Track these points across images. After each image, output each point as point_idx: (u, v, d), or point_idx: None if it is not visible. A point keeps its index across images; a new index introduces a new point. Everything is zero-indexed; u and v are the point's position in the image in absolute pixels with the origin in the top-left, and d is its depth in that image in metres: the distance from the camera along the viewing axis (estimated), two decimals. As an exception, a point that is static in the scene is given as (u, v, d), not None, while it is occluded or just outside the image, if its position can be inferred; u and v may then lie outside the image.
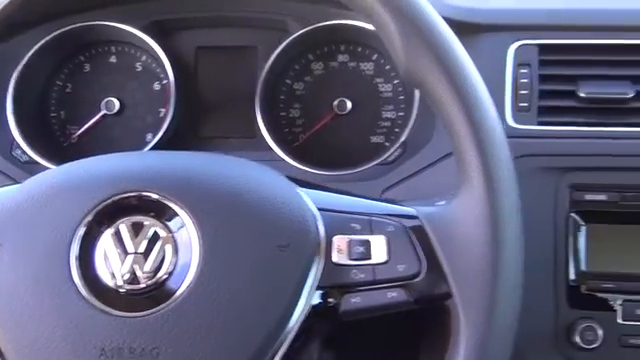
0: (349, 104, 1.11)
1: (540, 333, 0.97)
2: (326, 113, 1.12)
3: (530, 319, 0.91)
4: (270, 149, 1.08)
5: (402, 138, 1.05)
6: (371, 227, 0.75)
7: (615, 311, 0.96)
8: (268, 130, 1.08)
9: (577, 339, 0.95)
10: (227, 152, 1.04)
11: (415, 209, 0.76)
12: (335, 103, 1.12)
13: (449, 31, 0.75)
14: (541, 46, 1.01)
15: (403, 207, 0.77)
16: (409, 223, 0.75)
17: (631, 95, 0.98)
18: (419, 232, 0.74)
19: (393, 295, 0.74)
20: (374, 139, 1.12)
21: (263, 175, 0.77)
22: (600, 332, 0.95)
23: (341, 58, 1.13)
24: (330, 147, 1.12)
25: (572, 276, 0.96)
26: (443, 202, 0.76)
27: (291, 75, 1.14)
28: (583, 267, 0.96)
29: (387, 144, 1.10)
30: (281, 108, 1.13)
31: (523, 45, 1.01)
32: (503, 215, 0.71)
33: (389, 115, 1.12)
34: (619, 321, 0.96)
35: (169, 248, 0.72)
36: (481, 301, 0.70)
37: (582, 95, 0.98)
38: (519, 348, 0.91)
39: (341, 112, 1.12)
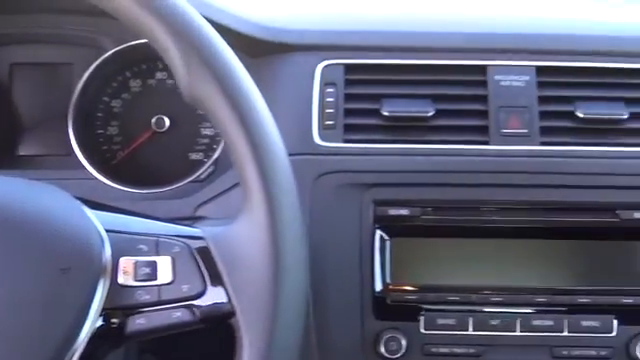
0: (167, 121, 1.12)
1: (347, 344, 0.99)
2: (144, 131, 1.12)
3: (337, 331, 0.97)
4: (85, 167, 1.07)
5: (215, 155, 1.07)
6: (157, 248, 0.76)
7: (418, 321, 0.99)
8: (81, 148, 1.08)
9: (382, 349, 0.98)
10: (44, 170, 1.07)
11: (202, 229, 0.78)
12: (153, 120, 1.12)
13: (230, 53, 0.76)
14: (347, 66, 1.03)
15: (190, 228, 0.78)
16: (195, 244, 0.76)
17: (431, 113, 1.02)
18: (204, 252, 0.76)
19: (178, 315, 0.75)
20: (193, 156, 1.13)
21: (49, 196, 0.76)
22: (404, 342, 0.98)
23: (159, 75, 1.14)
24: (149, 165, 1.13)
25: (378, 288, 0.99)
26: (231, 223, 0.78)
27: (108, 92, 1.14)
28: (388, 279, 0.99)
29: (206, 161, 1.11)
30: (98, 126, 1.13)
31: (330, 65, 1.03)
32: (283, 237, 0.73)
33: (208, 132, 1.13)
34: (422, 331, 0.99)
35: None
36: (262, 321, 0.72)
37: (385, 113, 1.01)
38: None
39: (159, 129, 1.12)
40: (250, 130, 0.74)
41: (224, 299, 0.74)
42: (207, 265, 0.75)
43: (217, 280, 0.75)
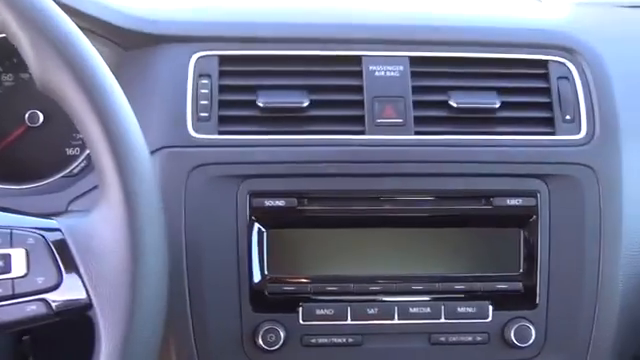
0: (41, 116, 1.09)
1: (225, 337, 0.99)
2: (17, 126, 1.10)
3: (215, 324, 0.97)
4: None
5: (88, 150, 1.05)
6: (11, 240, 0.74)
7: (297, 312, 0.99)
8: None
9: (260, 341, 0.98)
10: None
11: (58, 221, 0.77)
12: (27, 115, 1.10)
13: (84, 40, 0.75)
14: (221, 57, 1.02)
15: (45, 219, 0.77)
16: (51, 235, 0.75)
17: (307, 104, 1.02)
18: (60, 244, 0.75)
19: (32, 308, 0.74)
20: (69, 151, 1.11)
21: None
22: (282, 333, 0.98)
23: None
24: (23, 161, 1.10)
25: (256, 280, 0.99)
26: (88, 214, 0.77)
27: None
28: (266, 271, 1.00)
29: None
30: None
31: (204, 56, 1.02)
32: (141, 227, 0.73)
33: None
34: (301, 322, 0.99)
35: None
36: (119, 313, 0.72)
37: (260, 105, 1.01)
38: (205, 354, 0.97)
39: (33, 124, 1.10)
40: (104, 117, 0.73)
41: (81, 291, 0.74)
42: (63, 257, 0.74)
43: (73, 272, 0.74)
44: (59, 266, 0.74)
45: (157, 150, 0.98)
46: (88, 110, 0.72)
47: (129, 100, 0.78)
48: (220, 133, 1.00)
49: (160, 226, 0.74)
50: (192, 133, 0.99)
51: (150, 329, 0.73)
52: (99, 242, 0.73)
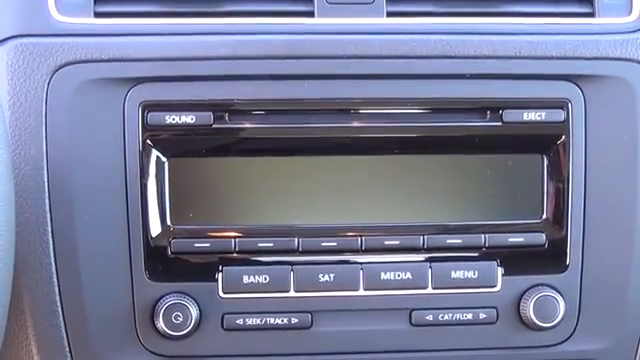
0: None
1: (111, 320, 0.89)
2: None
3: (95, 300, 0.87)
4: None
5: None
6: None
7: (215, 280, 0.89)
8: None
9: (161, 324, 0.87)
10: None
11: None
12: None
13: None
14: None
15: None
16: None
17: None
18: None
19: None
20: None
21: None
22: (194, 312, 0.87)
23: None
24: None
25: (154, 234, 0.89)
26: None
27: None
28: (168, 220, 0.89)
29: None
30: None
31: None
32: None
33: None
34: (221, 294, 0.89)
35: None
36: None
37: None
38: (81, 344, 0.88)
39: None
40: None
41: None
42: None
43: None
44: None
45: (3, 41, 0.87)
46: None
47: None
48: (97, 15, 0.90)
49: None
50: (56, 16, 0.89)
51: None
52: None
